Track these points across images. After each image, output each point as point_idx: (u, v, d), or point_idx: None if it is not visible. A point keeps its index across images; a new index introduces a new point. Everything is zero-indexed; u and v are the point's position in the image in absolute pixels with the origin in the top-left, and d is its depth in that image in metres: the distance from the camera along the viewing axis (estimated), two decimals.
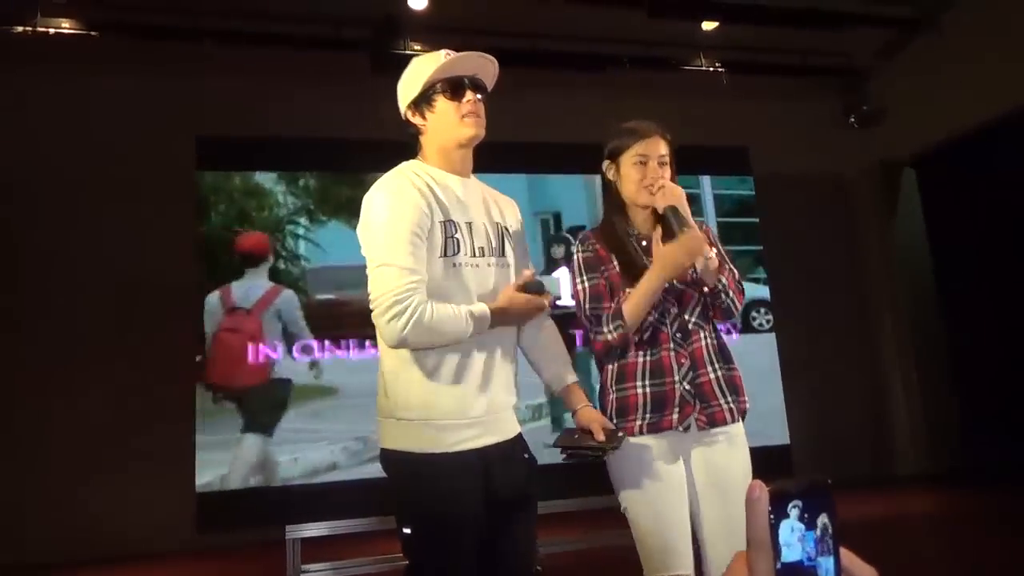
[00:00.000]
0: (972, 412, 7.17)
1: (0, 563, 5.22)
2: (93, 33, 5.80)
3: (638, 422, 1.89)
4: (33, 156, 6.27)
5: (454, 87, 1.78)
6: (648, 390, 1.90)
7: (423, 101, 1.79)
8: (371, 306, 1.65)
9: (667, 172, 1.99)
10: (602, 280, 1.95)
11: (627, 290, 1.90)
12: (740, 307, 1.97)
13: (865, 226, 8.04)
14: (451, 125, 1.77)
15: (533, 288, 1.77)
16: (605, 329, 1.88)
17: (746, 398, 1.98)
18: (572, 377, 1.93)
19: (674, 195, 1.91)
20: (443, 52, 1.81)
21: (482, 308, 1.68)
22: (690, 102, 6.88)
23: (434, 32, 6.34)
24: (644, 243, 2.00)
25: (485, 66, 1.82)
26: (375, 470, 1.86)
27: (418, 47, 6.30)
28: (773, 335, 7.52)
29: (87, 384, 6.04)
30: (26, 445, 5.86)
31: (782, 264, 7.67)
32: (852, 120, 7.71)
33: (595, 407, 1.91)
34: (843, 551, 0.55)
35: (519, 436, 1.82)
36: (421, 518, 1.67)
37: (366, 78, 6.11)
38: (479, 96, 1.81)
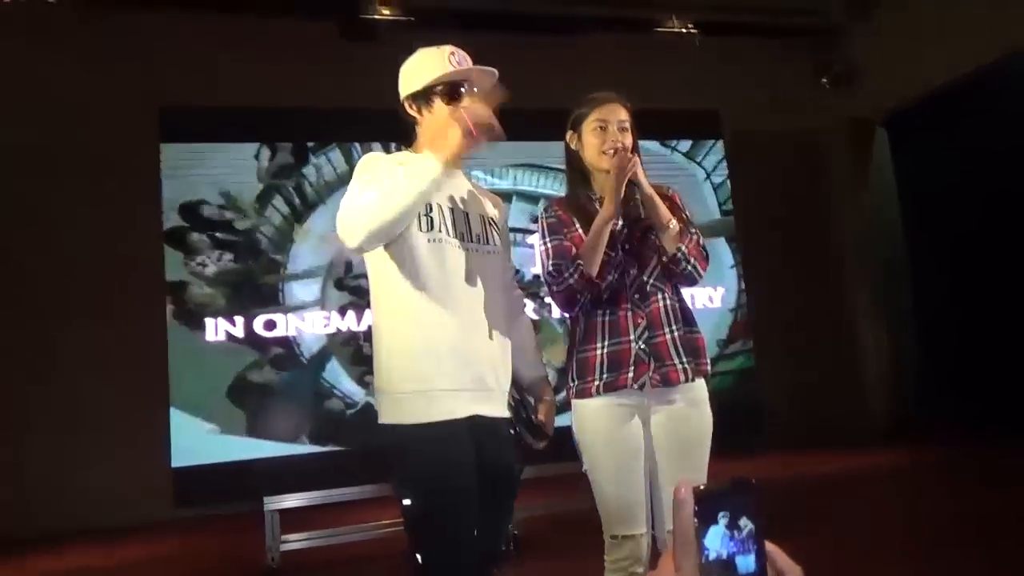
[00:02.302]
0: (937, 368, 7.32)
1: None
2: (50, 0, 5.63)
3: (596, 382, 1.94)
4: None
5: (453, 91, 1.83)
6: (606, 350, 1.95)
7: (422, 98, 1.85)
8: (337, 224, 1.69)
9: (628, 138, 2.02)
10: (566, 241, 1.99)
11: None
12: (704, 272, 2.01)
13: (836, 186, 8.09)
14: (443, 126, 1.80)
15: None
16: (566, 274, 1.91)
17: (707, 360, 2.03)
18: (542, 370, 2.03)
19: (628, 167, 1.91)
20: (448, 50, 1.86)
21: (424, 165, 1.66)
22: (662, 64, 6.86)
23: None
24: None
25: (486, 77, 1.87)
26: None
27: (387, 11, 6.20)
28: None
29: (59, 358, 5.97)
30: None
31: (755, 225, 7.72)
32: (824, 80, 7.71)
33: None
34: (770, 547, 0.59)
35: (505, 418, 1.88)
36: (421, 488, 1.71)
37: (335, 44, 6.01)
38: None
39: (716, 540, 0.56)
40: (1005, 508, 4.07)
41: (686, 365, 1.96)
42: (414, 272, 1.75)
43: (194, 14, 5.96)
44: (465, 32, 5.76)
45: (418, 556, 1.71)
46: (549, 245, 1.99)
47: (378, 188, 1.65)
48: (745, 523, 0.57)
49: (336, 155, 6.84)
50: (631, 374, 1.92)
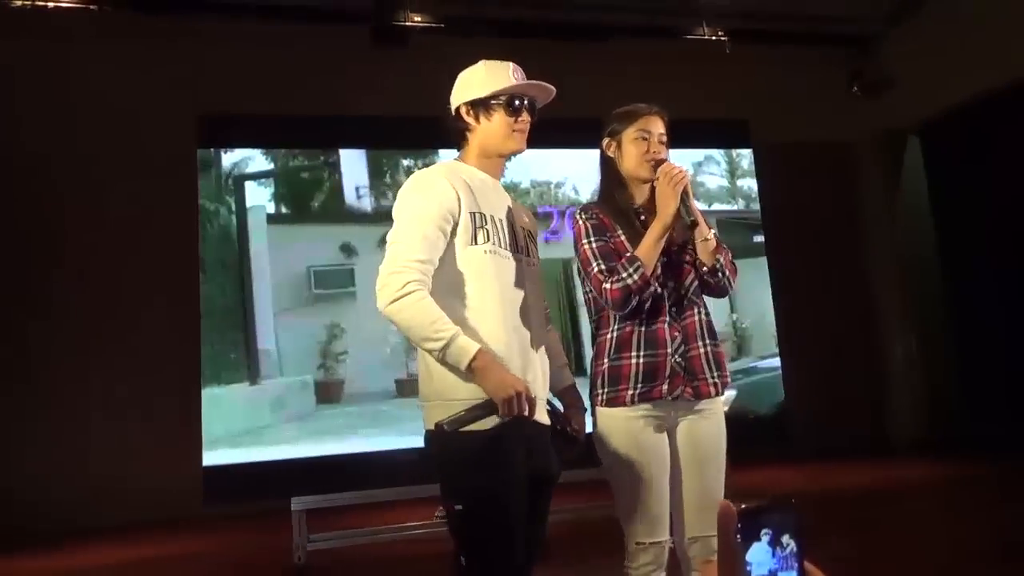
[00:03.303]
0: (972, 382, 7.20)
1: (10, 528, 5.31)
2: (92, 7, 5.76)
3: (630, 391, 1.95)
4: (30, 134, 6.24)
5: (515, 104, 1.90)
6: (642, 360, 1.97)
7: (482, 106, 1.90)
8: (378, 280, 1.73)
9: (664, 151, 2.07)
10: (609, 244, 2.01)
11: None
12: (735, 285, 2.07)
13: (869, 195, 8.01)
14: (502, 136, 1.90)
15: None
16: (624, 274, 1.92)
17: (727, 373, 2.08)
18: (571, 379, 2.07)
19: (681, 179, 1.95)
20: (511, 66, 1.93)
21: (468, 341, 1.69)
22: (693, 71, 6.84)
23: (436, 4, 6.29)
24: (643, 217, 2.04)
25: (545, 94, 1.95)
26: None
27: (419, 19, 6.25)
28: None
29: (93, 357, 6.10)
30: (39, 417, 5.94)
31: (783, 233, 7.67)
32: (856, 89, 7.64)
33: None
34: (809, 567, 0.61)
35: (548, 426, 1.91)
36: (475, 494, 1.72)
37: (367, 51, 6.07)
38: (531, 118, 1.94)
39: (759, 556, 0.58)
40: None
41: (716, 380, 2.02)
42: (472, 281, 1.79)
43: (228, 21, 6.05)
44: (495, 39, 5.84)
45: (463, 559, 1.72)
46: (595, 245, 2.00)
47: (420, 305, 1.67)
48: (788, 541, 0.59)
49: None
50: (666, 386, 1.95)
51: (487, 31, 6.17)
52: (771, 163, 7.75)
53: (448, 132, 1.98)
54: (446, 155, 1.97)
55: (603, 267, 1.96)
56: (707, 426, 2.00)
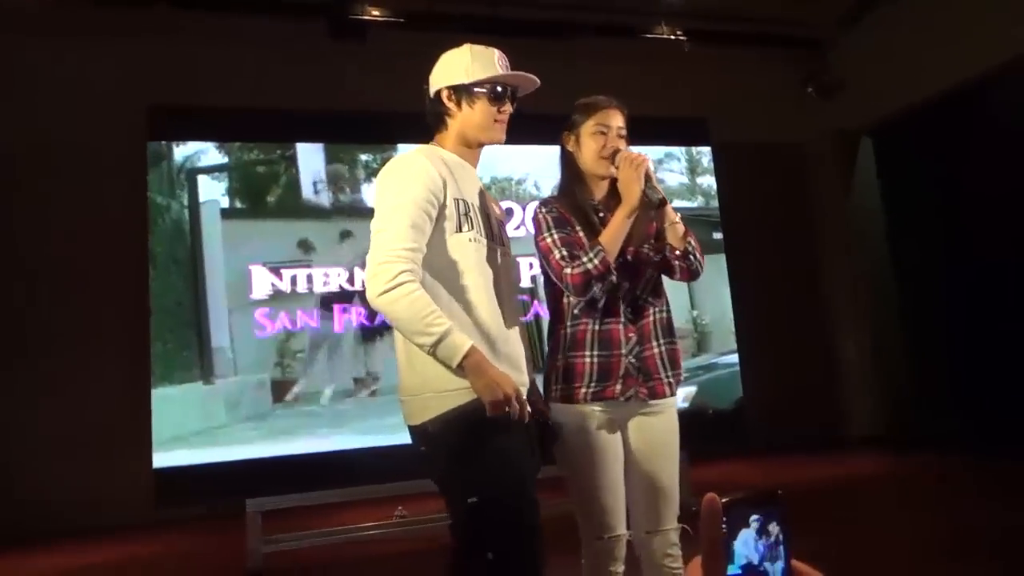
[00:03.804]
0: (924, 379, 7.39)
1: None
2: None
3: (583, 389, 1.96)
4: None
5: (499, 93, 1.87)
6: (596, 360, 1.96)
7: (465, 92, 1.86)
8: (366, 267, 1.68)
9: (624, 144, 2.06)
10: (570, 235, 2.00)
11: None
12: (704, 268, 2.07)
13: (823, 194, 8.14)
14: (483, 124, 1.87)
15: None
16: (586, 258, 1.91)
17: (681, 371, 2.09)
18: (531, 375, 2.05)
19: (642, 162, 1.96)
20: (497, 53, 1.90)
21: (461, 337, 1.65)
22: (650, 70, 6.89)
23: None
24: (601, 214, 2.04)
25: (529, 84, 1.92)
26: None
27: (377, 12, 6.18)
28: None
29: (39, 356, 5.91)
30: None
31: (740, 231, 7.77)
32: (811, 90, 7.77)
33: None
34: (796, 563, 0.61)
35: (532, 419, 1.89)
36: (489, 481, 1.66)
37: (324, 44, 5.98)
38: (512, 108, 1.91)
39: (747, 546, 0.58)
40: (988, 520, 4.12)
41: (670, 379, 2.03)
42: (460, 271, 1.76)
43: (180, 11, 5.91)
44: (455, 35, 5.78)
45: (491, 555, 1.65)
46: (556, 236, 1.98)
47: (413, 298, 1.62)
48: (774, 528, 0.59)
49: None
50: (618, 387, 1.95)
51: (447, 27, 6.12)
52: (729, 162, 7.84)
53: (426, 114, 1.93)
54: (405, 150, 1.92)
55: (564, 254, 1.95)
56: (659, 422, 2.02)
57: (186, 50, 6.29)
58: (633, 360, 1.97)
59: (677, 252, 2.01)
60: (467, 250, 1.78)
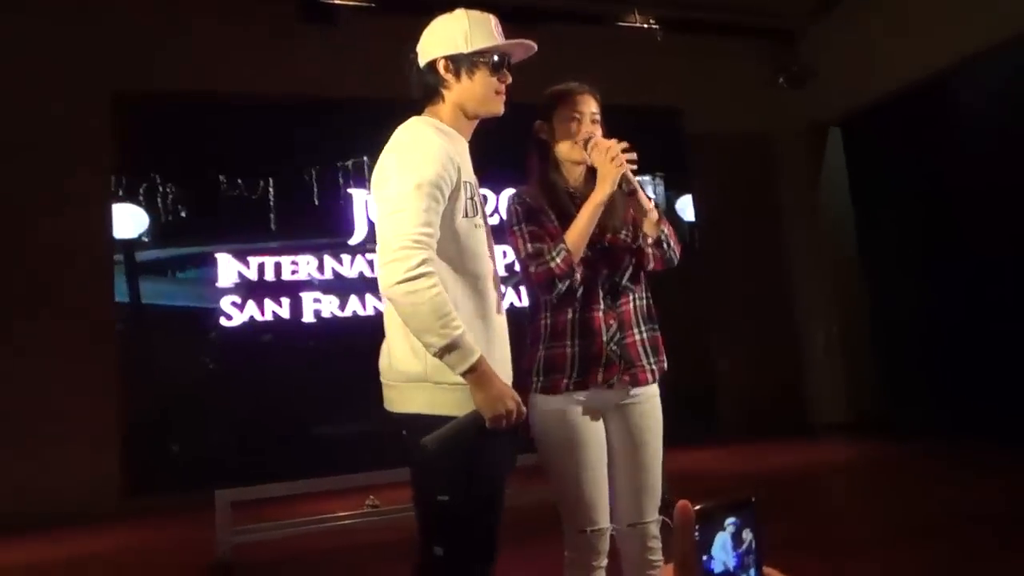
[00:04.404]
0: (889, 367, 7.51)
1: None
2: None
3: (565, 379, 1.93)
4: None
5: (500, 63, 1.77)
6: (577, 349, 1.94)
7: (465, 62, 1.75)
8: (377, 250, 1.61)
9: (598, 130, 2.04)
10: (540, 228, 1.97)
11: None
12: (679, 257, 2.06)
13: (792, 184, 8.21)
14: (484, 96, 1.77)
15: None
16: (548, 257, 1.89)
17: (664, 357, 2.07)
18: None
19: (617, 154, 1.94)
20: (493, 19, 1.81)
21: (471, 345, 1.58)
22: (622, 59, 6.86)
23: None
24: (578, 200, 2.02)
25: (526, 51, 1.83)
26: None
27: None
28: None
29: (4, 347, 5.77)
30: None
31: (711, 220, 7.82)
32: (781, 80, 7.82)
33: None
34: (768, 571, 0.62)
35: None
36: (465, 485, 1.63)
37: (291, 27, 5.88)
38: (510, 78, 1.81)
39: (721, 550, 0.59)
40: (950, 502, 4.21)
41: (653, 366, 2.01)
42: (469, 259, 1.70)
43: None
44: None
45: (439, 550, 1.64)
46: (526, 230, 1.96)
47: (432, 293, 1.54)
48: (747, 535, 0.60)
49: None
50: (601, 375, 1.93)
51: (415, 10, 6.03)
52: (700, 151, 7.87)
53: (417, 85, 1.81)
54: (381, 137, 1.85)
55: (530, 251, 1.93)
56: (643, 411, 2.00)
57: (151, 32, 6.15)
58: (615, 347, 1.95)
59: (650, 240, 2.00)
60: (473, 236, 1.72)
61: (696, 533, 0.57)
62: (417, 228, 1.57)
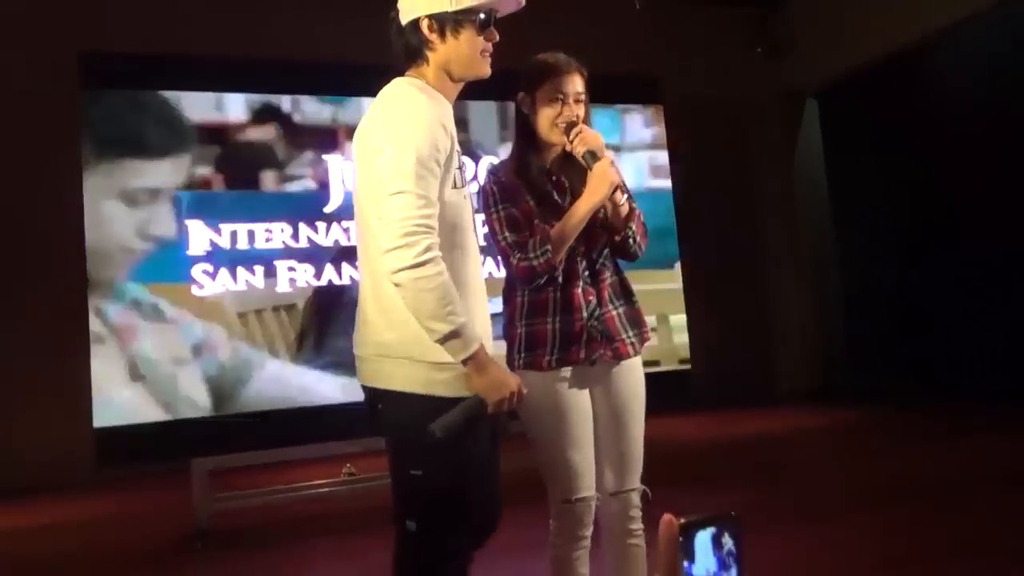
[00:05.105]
0: (857, 337, 7.65)
1: None
2: None
3: (547, 356, 1.93)
4: None
5: (487, 20, 1.67)
6: (558, 325, 1.94)
7: (451, 21, 1.64)
8: (381, 231, 1.55)
9: (582, 110, 1.98)
10: (517, 210, 1.95)
11: (537, 222, 1.92)
12: (644, 250, 2.04)
13: (768, 155, 8.25)
14: (470, 58, 1.68)
15: None
16: (532, 254, 1.88)
17: (647, 328, 2.07)
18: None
19: (593, 142, 1.92)
20: None
21: (472, 333, 1.55)
22: (601, 27, 6.81)
23: None
24: (555, 178, 2.00)
25: (514, 6, 1.72)
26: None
27: None
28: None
29: None
30: None
31: (688, 192, 7.85)
32: (759, 50, 7.81)
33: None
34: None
35: None
36: (440, 461, 1.59)
37: None
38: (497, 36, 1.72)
39: (703, 554, 0.63)
40: (915, 464, 4.32)
41: (633, 339, 2.00)
42: (459, 232, 1.66)
43: None
44: None
45: (412, 524, 1.61)
46: (501, 213, 1.94)
47: (441, 281, 1.51)
48: (727, 541, 0.64)
49: None
50: (583, 351, 1.93)
51: None
52: (678, 121, 7.87)
53: (399, 47, 1.71)
54: (355, 103, 1.80)
55: (510, 240, 1.91)
56: (625, 382, 2.00)
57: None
58: (595, 323, 1.95)
59: (616, 237, 1.99)
60: (461, 208, 1.67)
61: (680, 547, 0.61)
62: (422, 211, 1.53)
